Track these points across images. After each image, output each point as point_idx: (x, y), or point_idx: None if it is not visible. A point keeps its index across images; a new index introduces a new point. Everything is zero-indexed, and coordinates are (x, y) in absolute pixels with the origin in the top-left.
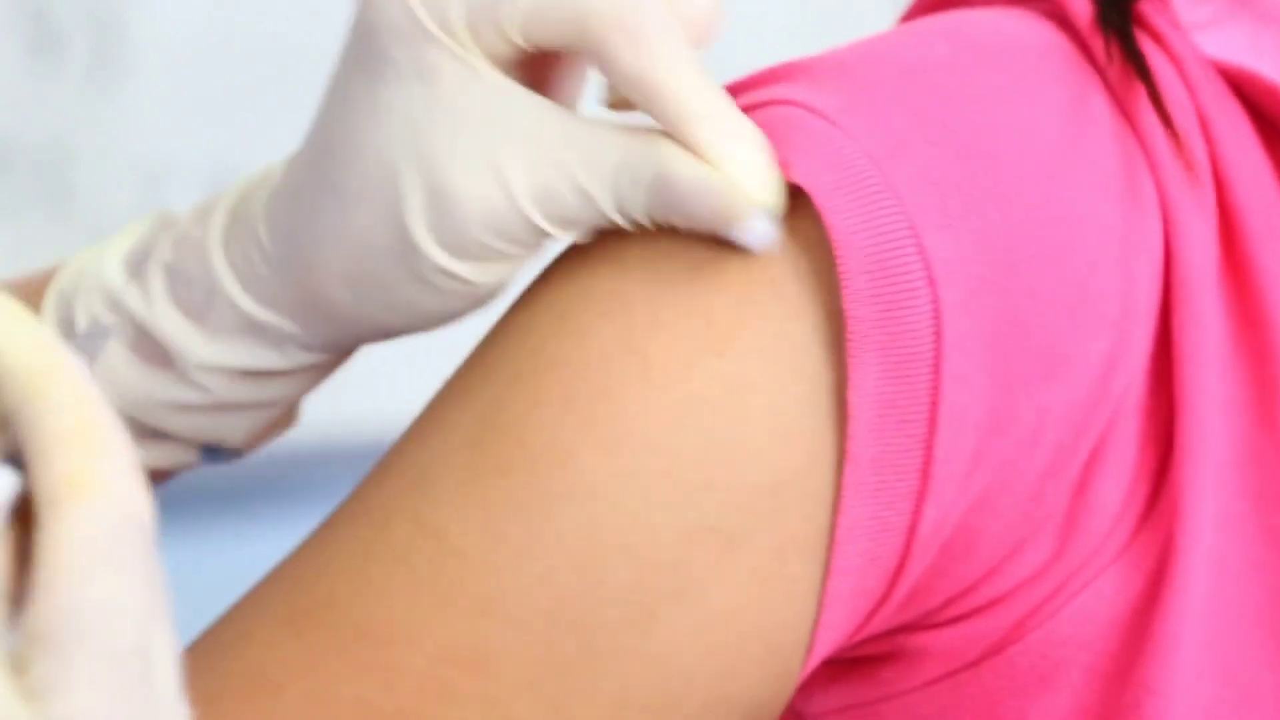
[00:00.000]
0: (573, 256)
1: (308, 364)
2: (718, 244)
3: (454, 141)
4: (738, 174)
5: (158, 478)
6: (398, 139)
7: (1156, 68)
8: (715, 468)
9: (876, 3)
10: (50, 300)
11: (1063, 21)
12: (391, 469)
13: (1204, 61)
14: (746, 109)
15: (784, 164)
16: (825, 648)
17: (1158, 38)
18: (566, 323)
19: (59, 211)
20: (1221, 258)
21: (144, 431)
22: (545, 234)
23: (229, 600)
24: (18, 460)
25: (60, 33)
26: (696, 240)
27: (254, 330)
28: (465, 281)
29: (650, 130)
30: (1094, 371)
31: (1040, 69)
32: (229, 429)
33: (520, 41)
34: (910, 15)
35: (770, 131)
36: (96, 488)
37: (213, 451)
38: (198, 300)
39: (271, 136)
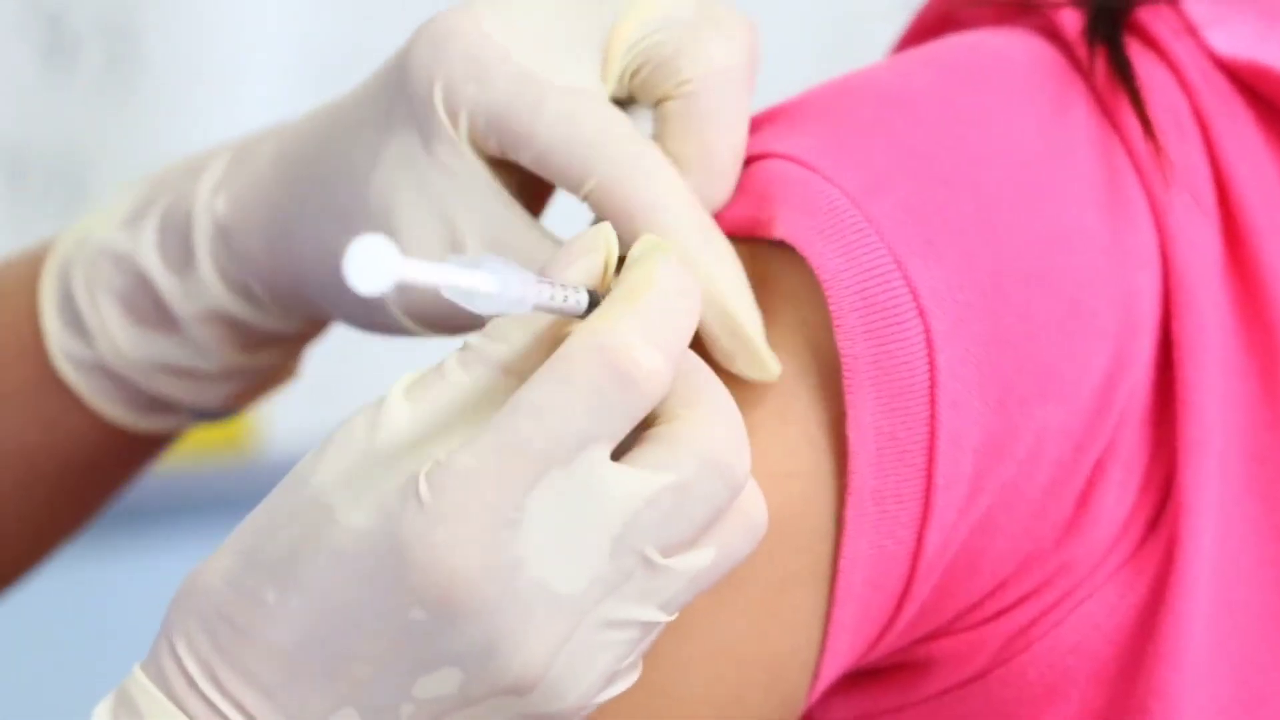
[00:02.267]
0: None
1: (286, 327)
2: None
3: (416, 207)
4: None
5: (151, 447)
6: (402, 183)
7: (1149, 74)
8: None
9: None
10: (50, 272)
11: (1052, 34)
12: None
13: (1209, 62)
14: None
15: (766, 222)
16: (832, 673)
17: (1154, 44)
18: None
19: (74, 216)
20: (1225, 259)
21: (140, 401)
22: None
23: None
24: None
25: (73, 39)
26: None
27: (229, 292)
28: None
29: None
30: (1093, 386)
31: (1024, 86)
32: (221, 394)
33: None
34: (902, 45)
35: (752, 189)
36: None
37: (203, 413)
38: (178, 253)
39: None
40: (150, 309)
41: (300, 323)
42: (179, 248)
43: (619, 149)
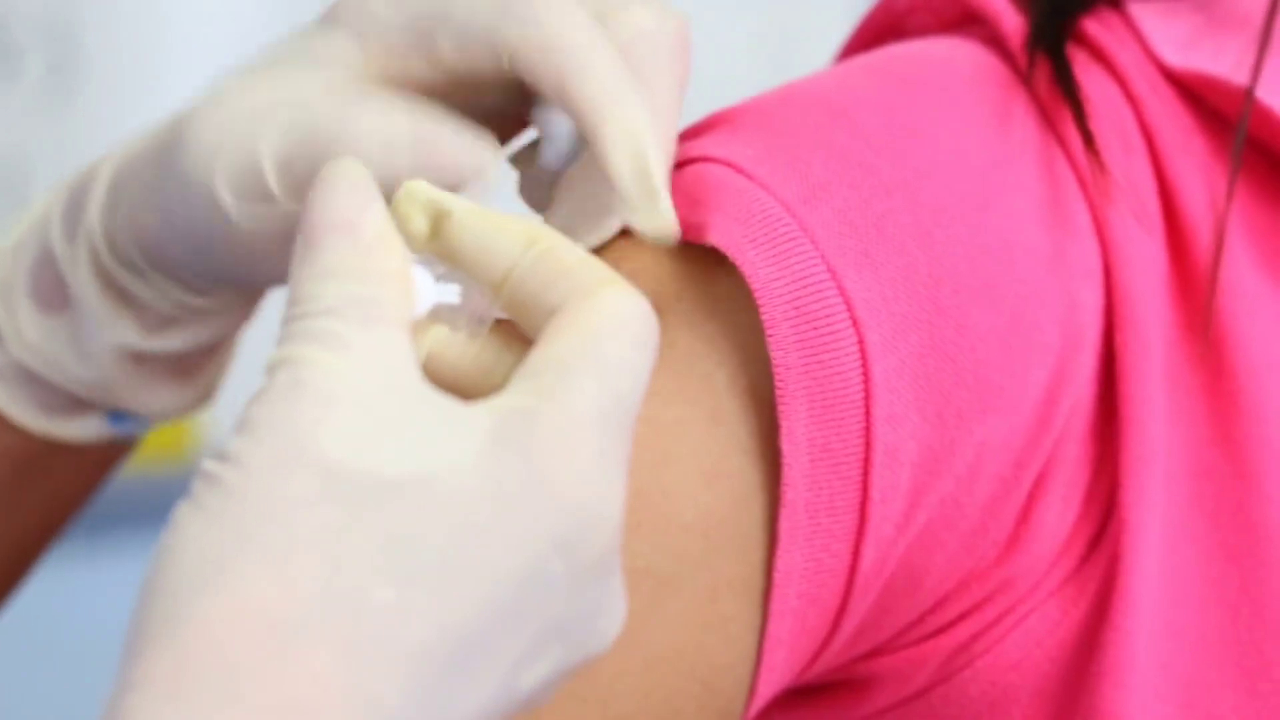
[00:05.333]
0: None
1: (162, 301)
2: None
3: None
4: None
5: (93, 477)
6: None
7: (1095, 86)
8: (644, 510)
9: (840, 23)
10: None
11: (997, 45)
12: None
13: (1159, 74)
14: (673, 168)
15: (700, 225)
16: (770, 689)
17: (1101, 54)
18: None
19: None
20: (1171, 271)
21: (54, 402)
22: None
23: None
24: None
25: (15, 45)
26: None
27: (111, 254)
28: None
29: None
30: (1034, 401)
31: (967, 97)
32: (132, 389)
33: (452, 51)
34: (848, 51)
35: (688, 192)
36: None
37: (120, 418)
38: (74, 218)
39: None
40: (53, 287)
41: (173, 298)
42: (76, 212)
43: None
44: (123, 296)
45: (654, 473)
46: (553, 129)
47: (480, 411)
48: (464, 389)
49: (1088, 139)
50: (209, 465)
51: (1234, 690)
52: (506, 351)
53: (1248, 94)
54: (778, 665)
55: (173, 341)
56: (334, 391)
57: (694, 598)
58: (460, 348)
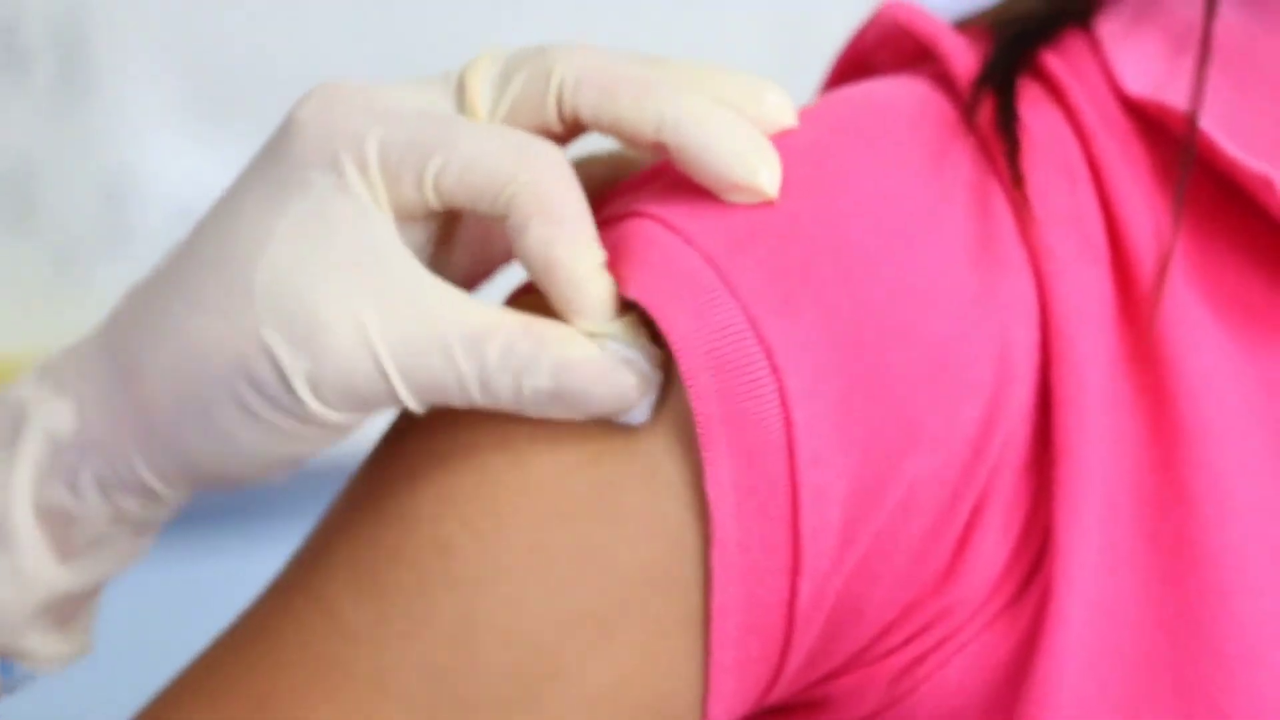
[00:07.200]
0: None
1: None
2: None
3: (325, 282)
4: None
5: None
6: (271, 266)
7: (1041, 121)
8: (587, 560)
9: (851, 22)
10: None
11: (947, 82)
12: (300, 554)
13: (1115, 101)
14: (607, 222)
15: (623, 280)
16: (726, 713)
17: (1056, 88)
18: (456, 428)
19: (22, 229)
20: (1117, 303)
21: None
22: (394, 398)
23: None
24: None
25: (24, 50)
26: None
27: (57, 469)
28: (297, 426)
29: (535, 318)
30: (966, 436)
31: (902, 140)
32: (27, 631)
33: (434, 197)
34: (825, 88)
35: (618, 247)
36: None
37: (7, 667)
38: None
39: (235, 155)
40: None
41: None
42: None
43: (536, 150)
44: (52, 511)
45: (594, 527)
46: None
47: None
48: None
49: (1016, 179)
50: None
51: (1171, 712)
52: None
53: (1190, 120)
54: (728, 691)
55: (87, 571)
56: None
57: (638, 635)
58: None
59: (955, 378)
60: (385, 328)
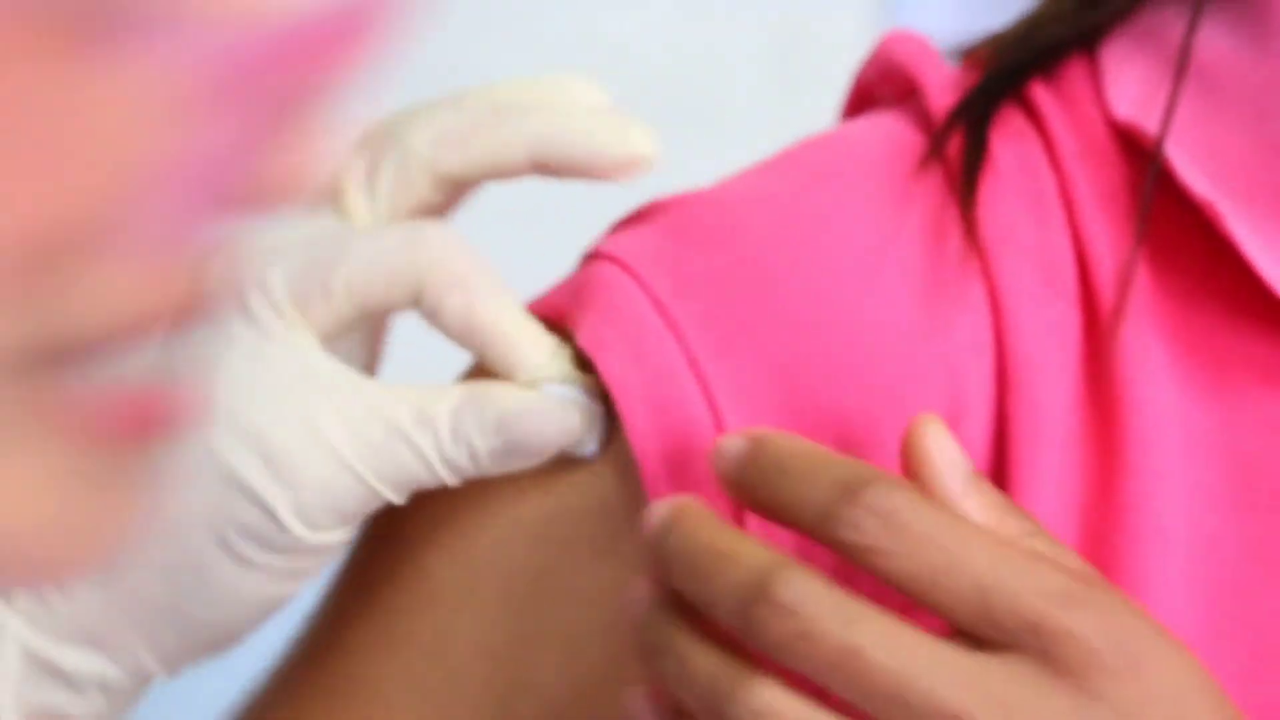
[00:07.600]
0: None
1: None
2: None
3: (277, 413)
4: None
5: None
6: (223, 419)
7: (1015, 155)
8: (548, 580)
9: (850, 37)
10: None
11: (924, 120)
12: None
13: (1104, 130)
14: (584, 258)
15: (574, 318)
16: None
17: (1037, 117)
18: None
19: None
20: (1083, 340)
21: None
22: (375, 499)
23: None
24: None
25: None
26: None
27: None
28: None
29: (474, 382)
30: None
31: (865, 183)
32: None
33: (347, 308)
34: (846, 113)
35: (575, 289)
36: None
37: None
38: None
39: None
40: None
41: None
42: None
43: (424, 234)
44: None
45: (553, 553)
46: None
47: None
48: None
49: (969, 226)
50: None
51: None
52: None
53: (1156, 145)
54: None
55: None
56: None
57: (599, 655)
58: None
59: (902, 416)
60: (345, 433)
